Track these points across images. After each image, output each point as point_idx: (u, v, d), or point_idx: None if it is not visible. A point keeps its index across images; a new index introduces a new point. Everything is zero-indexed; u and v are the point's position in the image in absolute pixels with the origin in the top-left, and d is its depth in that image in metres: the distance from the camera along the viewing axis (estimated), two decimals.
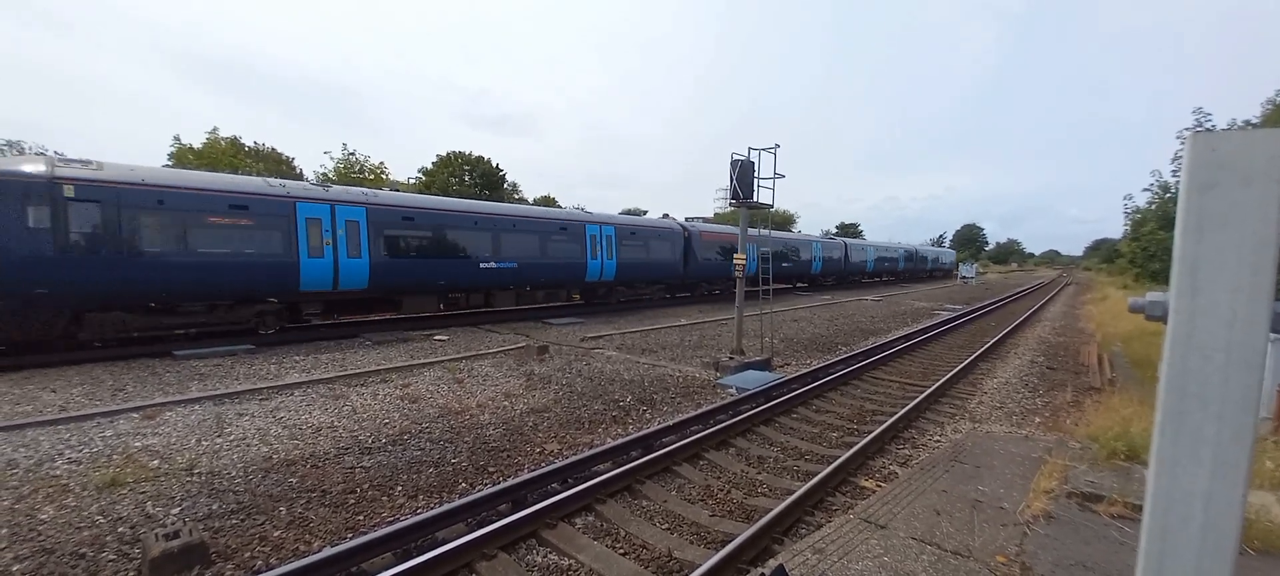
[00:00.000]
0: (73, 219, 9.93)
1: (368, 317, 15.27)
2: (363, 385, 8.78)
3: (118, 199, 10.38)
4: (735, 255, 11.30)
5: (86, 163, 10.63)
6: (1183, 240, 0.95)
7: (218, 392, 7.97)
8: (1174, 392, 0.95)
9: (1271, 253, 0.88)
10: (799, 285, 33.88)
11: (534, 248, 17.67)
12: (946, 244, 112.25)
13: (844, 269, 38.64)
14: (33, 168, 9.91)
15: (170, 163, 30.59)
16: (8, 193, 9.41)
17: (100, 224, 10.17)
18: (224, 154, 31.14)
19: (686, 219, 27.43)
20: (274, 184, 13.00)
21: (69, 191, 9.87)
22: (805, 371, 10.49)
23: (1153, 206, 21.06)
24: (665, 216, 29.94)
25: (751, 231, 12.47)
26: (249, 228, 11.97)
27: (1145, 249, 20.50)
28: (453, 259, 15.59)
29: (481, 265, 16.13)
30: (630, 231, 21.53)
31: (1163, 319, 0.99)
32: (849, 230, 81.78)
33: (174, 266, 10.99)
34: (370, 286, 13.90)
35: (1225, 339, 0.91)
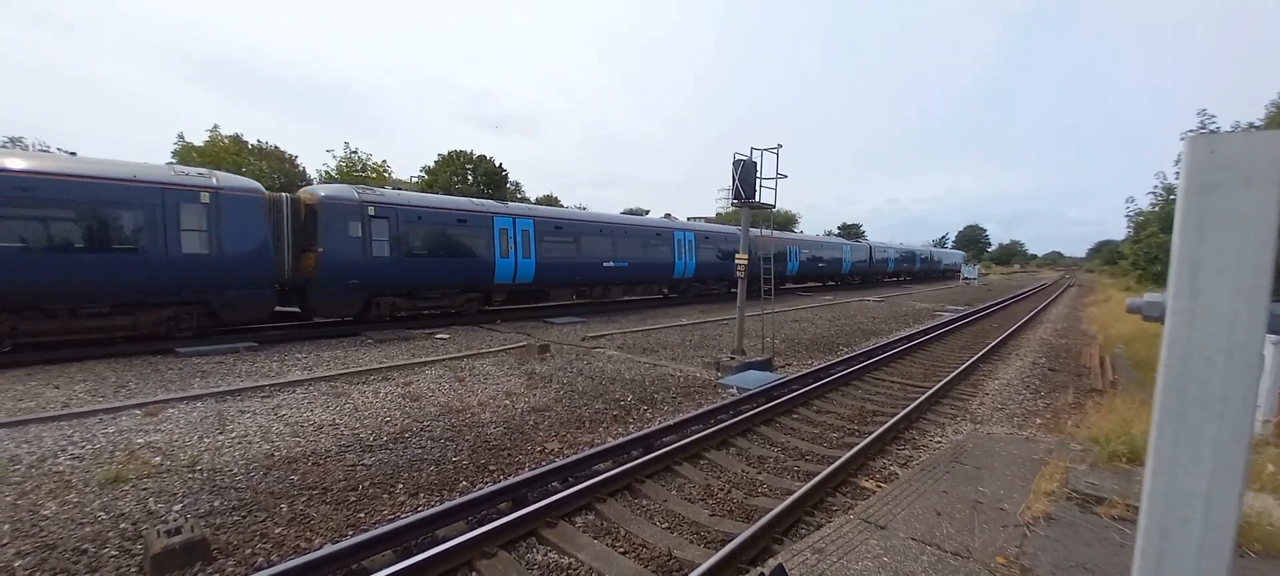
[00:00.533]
0: (373, 231, 13.65)
1: (528, 305, 19.00)
2: (364, 383, 8.80)
3: (397, 215, 14.23)
4: (737, 255, 11.31)
5: (375, 188, 15.30)
6: (1182, 241, 0.95)
7: (220, 389, 8.00)
8: (1173, 393, 0.95)
9: (1270, 253, 0.88)
10: (829, 282, 37.93)
11: (639, 249, 21.65)
12: (949, 245, 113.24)
13: (869, 269, 43.12)
14: (351, 193, 13.80)
15: (174, 161, 30.67)
16: (339, 211, 13.15)
17: (387, 234, 13.96)
18: (226, 151, 31.19)
19: (689, 219, 28.08)
20: (478, 203, 17.48)
21: (371, 210, 13.66)
22: (806, 372, 10.49)
23: (1155, 209, 21.03)
24: (667, 216, 30.08)
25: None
26: (468, 235, 15.99)
27: (1146, 251, 20.49)
28: (587, 258, 19.50)
29: (604, 264, 20.14)
30: (705, 237, 25.39)
31: (1160, 319, 0.99)
32: (851, 231, 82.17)
33: (427, 264, 14.97)
34: (535, 281, 17.75)
35: (1227, 340, 0.91)
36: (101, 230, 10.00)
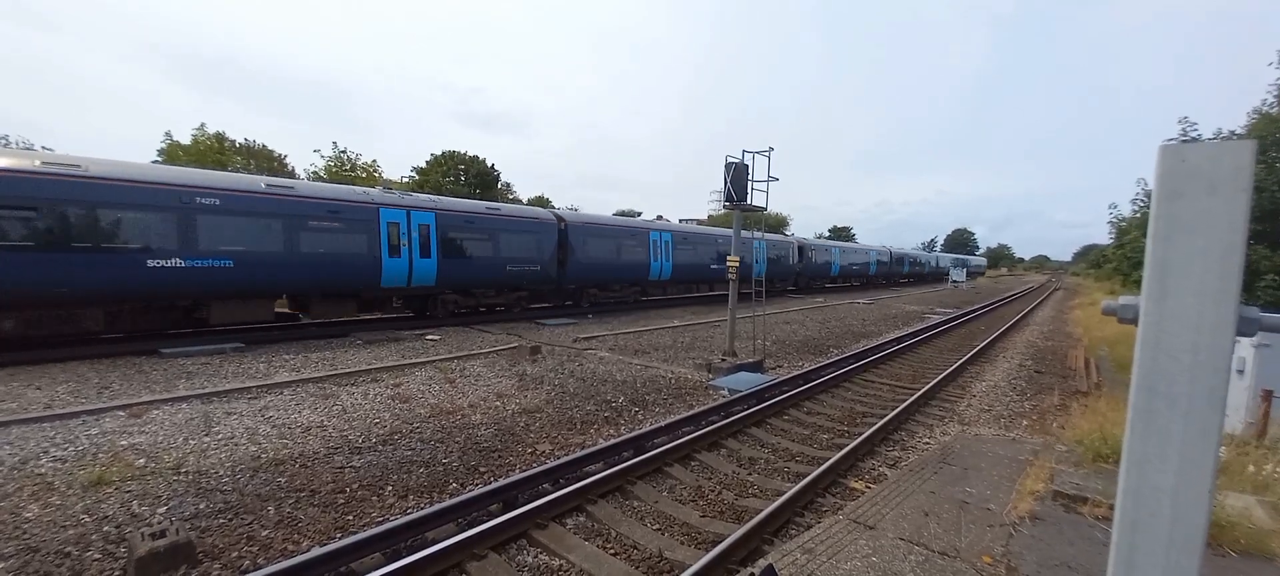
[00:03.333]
0: (804, 255, 34.01)
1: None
2: (353, 384, 8.73)
3: (806, 247, 34.38)
4: (728, 258, 11.36)
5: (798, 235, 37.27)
6: (1153, 246, 0.99)
7: (206, 391, 7.90)
8: (1143, 392, 0.99)
9: (1237, 258, 0.92)
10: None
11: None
12: (938, 247, 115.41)
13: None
14: (795, 238, 34.78)
15: (160, 159, 30.36)
16: (793, 246, 32.94)
17: (800, 256, 33.96)
18: (211, 150, 30.93)
19: (681, 220, 28.38)
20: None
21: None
22: (797, 373, 10.55)
23: (1137, 214, 21.40)
24: (659, 218, 30.19)
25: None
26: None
27: (1129, 256, 20.84)
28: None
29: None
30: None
31: (1134, 321, 1.02)
32: (841, 233, 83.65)
33: (817, 268, 35.06)
34: (837, 274, 36.92)
35: (1192, 341, 0.95)
36: (778, 260, 29.39)
